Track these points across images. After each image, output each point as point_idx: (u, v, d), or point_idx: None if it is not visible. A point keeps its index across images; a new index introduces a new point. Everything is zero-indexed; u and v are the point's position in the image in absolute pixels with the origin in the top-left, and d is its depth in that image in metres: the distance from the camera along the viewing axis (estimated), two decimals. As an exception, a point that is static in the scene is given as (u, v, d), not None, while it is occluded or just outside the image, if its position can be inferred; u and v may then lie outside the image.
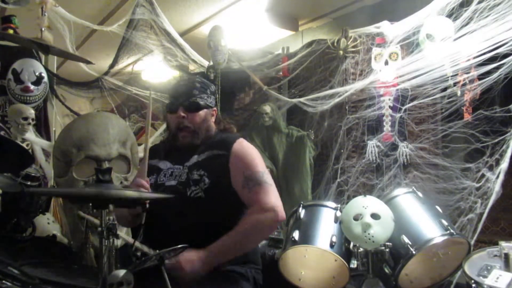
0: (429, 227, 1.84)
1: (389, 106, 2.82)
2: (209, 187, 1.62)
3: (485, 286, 1.47)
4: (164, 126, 3.63)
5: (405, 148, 2.73)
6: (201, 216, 1.60)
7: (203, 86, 1.77)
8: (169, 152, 1.79)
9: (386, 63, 2.75)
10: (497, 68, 2.13)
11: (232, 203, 1.66)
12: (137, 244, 1.50)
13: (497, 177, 2.11)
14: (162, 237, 1.52)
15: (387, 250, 1.81)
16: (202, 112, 1.74)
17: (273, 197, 1.62)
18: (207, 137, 1.77)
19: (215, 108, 1.82)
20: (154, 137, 3.71)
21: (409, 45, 2.70)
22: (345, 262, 1.86)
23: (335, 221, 2.00)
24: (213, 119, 1.81)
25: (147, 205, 1.42)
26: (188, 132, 1.72)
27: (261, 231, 1.63)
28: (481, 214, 2.17)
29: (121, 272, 1.25)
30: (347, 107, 3.06)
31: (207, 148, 1.72)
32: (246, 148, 1.72)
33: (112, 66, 3.65)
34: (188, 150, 1.74)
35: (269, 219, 1.59)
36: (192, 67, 3.76)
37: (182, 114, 1.71)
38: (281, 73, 3.54)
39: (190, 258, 1.49)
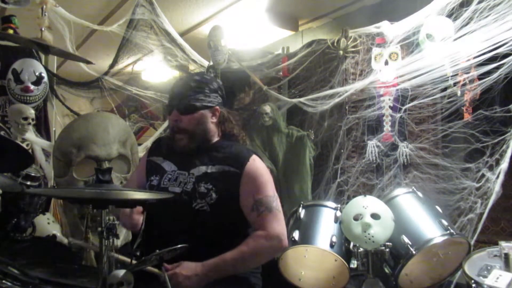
0: (429, 227, 1.85)
1: (389, 106, 2.82)
2: (215, 202, 1.58)
3: (485, 286, 1.47)
4: (164, 125, 3.65)
5: (405, 148, 2.73)
6: (204, 228, 1.58)
7: (200, 85, 1.66)
8: (172, 152, 1.73)
9: (386, 63, 2.75)
10: (497, 68, 2.14)
11: (236, 220, 1.63)
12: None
13: (497, 177, 2.12)
14: (162, 244, 1.45)
15: (387, 250, 1.82)
16: (197, 114, 1.65)
17: (280, 225, 1.60)
18: (208, 142, 1.70)
19: (217, 107, 1.70)
20: (154, 137, 3.71)
21: (409, 45, 2.70)
22: (345, 262, 1.87)
23: (335, 221, 2.00)
24: (214, 119, 1.70)
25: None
26: (184, 135, 1.65)
27: (263, 256, 1.61)
28: (481, 214, 2.17)
29: (121, 272, 1.25)
30: (347, 107, 3.06)
31: (218, 161, 1.65)
32: (259, 169, 1.65)
33: (112, 66, 3.64)
34: (191, 155, 1.68)
35: (274, 246, 1.59)
36: (192, 67, 3.75)
37: (176, 117, 1.65)
38: (281, 73, 3.54)
39: (186, 273, 1.46)
